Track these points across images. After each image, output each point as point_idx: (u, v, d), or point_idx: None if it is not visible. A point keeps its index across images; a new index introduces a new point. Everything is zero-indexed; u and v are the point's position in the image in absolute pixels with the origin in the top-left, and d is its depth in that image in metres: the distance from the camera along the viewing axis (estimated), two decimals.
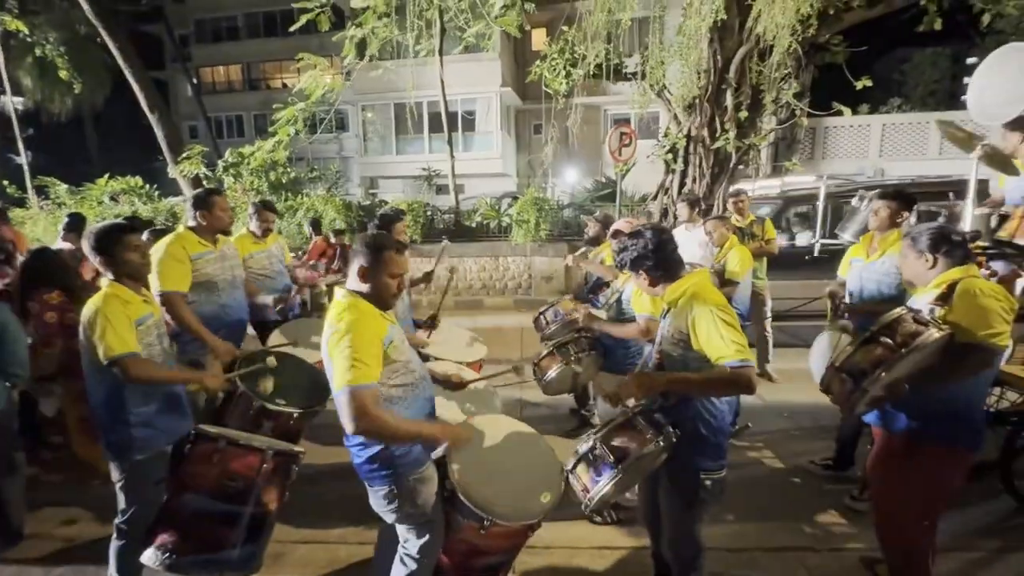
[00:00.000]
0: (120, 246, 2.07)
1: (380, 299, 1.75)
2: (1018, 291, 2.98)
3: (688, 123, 7.95)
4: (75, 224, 4.77)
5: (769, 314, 4.82)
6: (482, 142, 18.25)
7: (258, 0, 22.48)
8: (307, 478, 2.53)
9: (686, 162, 8.09)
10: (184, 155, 9.23)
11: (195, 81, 21.96)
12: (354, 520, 2.72)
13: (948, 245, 1.96)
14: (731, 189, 4.97)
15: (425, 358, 3.02)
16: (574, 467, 1.82)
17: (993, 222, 2.86)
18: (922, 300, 1.99)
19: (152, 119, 10.06)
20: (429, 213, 9.71)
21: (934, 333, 1.72)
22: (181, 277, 2.68)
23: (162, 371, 2.11)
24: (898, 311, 1.85)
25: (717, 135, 7.66)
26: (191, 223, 2.84)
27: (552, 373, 2.94)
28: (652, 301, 2.35)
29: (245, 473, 1.99)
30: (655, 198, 8.76)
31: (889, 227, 2.79)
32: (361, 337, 1.58)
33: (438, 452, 1.89)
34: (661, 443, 1.73)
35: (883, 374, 1.73)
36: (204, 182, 9.64)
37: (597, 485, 1.73)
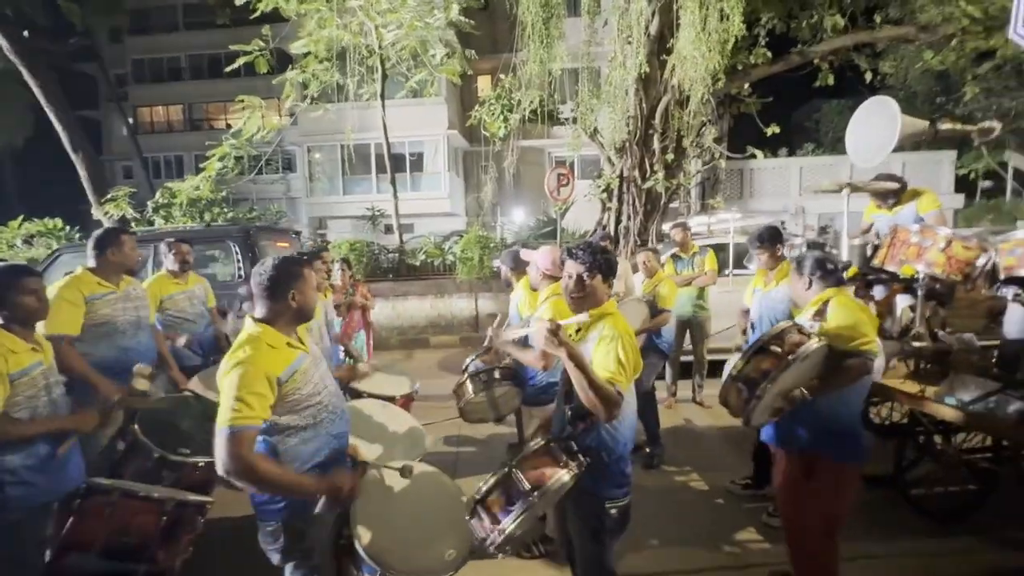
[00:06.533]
0: (14, 290, 1.96)
1: (286, 320, 1.71)
2: (898, 312, 3.32)
3: (620, 164, 8.47)
4: None
5: (707, 343, 5.03)
6: (430, 182, 18.55)
7: (197, 42, 22.34)
8: (221, 530, 2.40)
9: (620, 200, 8.57)
10: (109, 196, 8.84)
11: (131, 120, 21.26)
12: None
13: (823, 270, 2.27)
14: (676, 221, 5.37)
15: (357, 393, 2.96)
16: (484, 498, 1.70)
17: (868, 251, 3.22)
18: (804, 317, 2.27)
19: (75, 159, 9.60)
20: (374, 251, 9.68)
21: (814, 343, 2.01)
22: (70, 320, 2.56)
23: (18, 427, 1.90)
24: (784, 323, 2.17)
25: (647, 176, 8.20)
26: (92, 263, 2.74)
27: (467, 398, 2.92)
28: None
29: (141, 528, 1.88)
30: (593, 233, 9.16)
31: (775, 264, 3.11)
32: (248, 375, 1.54)
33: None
34: (575, 470, 1.69)
35: (773, 381, 1.97)
36: (132, 224, 9.22)
37: (508, 516, 1.63)
